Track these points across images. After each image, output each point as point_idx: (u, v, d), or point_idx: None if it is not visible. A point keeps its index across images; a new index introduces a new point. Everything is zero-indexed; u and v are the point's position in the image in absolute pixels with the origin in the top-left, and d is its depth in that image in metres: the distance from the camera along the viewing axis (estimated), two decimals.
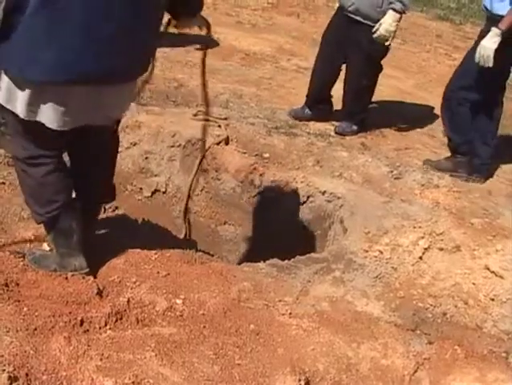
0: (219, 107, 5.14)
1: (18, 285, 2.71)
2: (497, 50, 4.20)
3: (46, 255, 2.90)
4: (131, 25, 2.46)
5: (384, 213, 3.77)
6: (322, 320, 2.92)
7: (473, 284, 3.33)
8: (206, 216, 4.29)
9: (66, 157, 2.88)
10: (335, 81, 5.21)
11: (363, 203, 3.90)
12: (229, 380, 2.47)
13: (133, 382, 2.34)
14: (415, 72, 7.13)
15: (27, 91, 2.45)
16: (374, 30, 4.77)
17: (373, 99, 5.41)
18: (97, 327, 2.59)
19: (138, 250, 3.06)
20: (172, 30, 2.97)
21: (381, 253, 3.46)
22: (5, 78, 2.49)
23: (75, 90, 2.48)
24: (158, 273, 2.95)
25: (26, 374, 2.27)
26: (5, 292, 2.62)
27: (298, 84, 5.95)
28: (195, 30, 3.03)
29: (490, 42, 4.21)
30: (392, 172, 4.36)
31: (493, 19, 4.36)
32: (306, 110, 5.27)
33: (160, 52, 2.88)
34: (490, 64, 4.24)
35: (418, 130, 5.52)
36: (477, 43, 4.45)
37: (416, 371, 2.77)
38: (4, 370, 2.22)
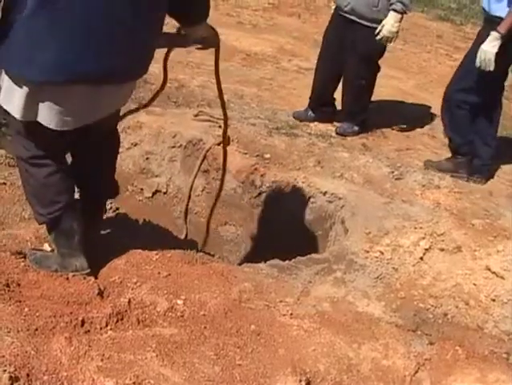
0: (220, 107, 5.13)
1: (19, 285, 2.71)
2: (496, 53, 4.21)
3: (47, 255, 2.90)
4: (131, 25, 2.46)
5: (385, 214, 3.77)
6: (323, 320, 2.92)
7: (474, 284, 3.33)
8: (207, 216, 4.29)
9: (68, 158, 2.88)
10: (338, 82, 5.21)
11: (364, 203, 3.90)
12: (229, 381, 2.47)
13: (134, 383, 2.34)
14: (416, 73, 7.13)
15: (25, 92, 2.45)
16: (377, 31, 4.77)
17: (374, 100, 5.41)
18: (98, 328, 2.59)
19: (139, 251, 3.06)
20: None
21: (382, 253, 3.45)
22: (5, 78, 2.49)
23: (74, 90, 2.48)
24: (159, 273, 2.95)
25: (27, 375, 2.27)
26: (6, 292, 2.62)
27: (299, 85, 5.95)
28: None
29: (490, 46, 4.21)
30: (392, 172, 4.36)
31: (490, 20, 4.36)
32: (310, 112, 5.27)
33: (161, 53, 2.87)
34: (491, 68, 4.25)
35: (419, 130, 5.52)
36: (475, 44, 4.46)
37: (416, 372, 2.77)
38: (5, 370, 2.22)
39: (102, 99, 2.60)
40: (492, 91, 4.55)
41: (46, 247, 2.97)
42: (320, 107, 5.26)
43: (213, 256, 3.65)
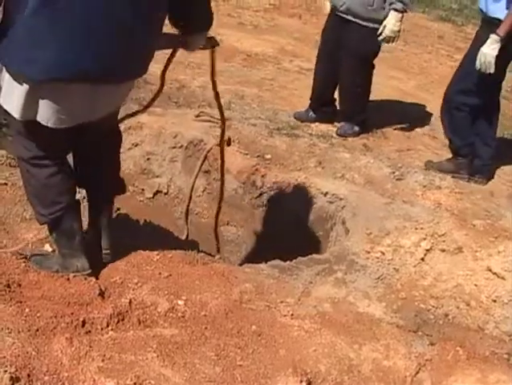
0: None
1: (20, 286, 2.71)
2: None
3: (48, 256, 2.90)
4: (131, 25, 2.46)
5: (386, 214, 3.77)
6: (323, 321, 2.92)
7: (475, 285, 3.32)
8: (208, 217, 4.29)
9: (69, 158, 2.88)
10: (338, 81, 5.21)
11: (365, 204, 3.90)
12: (230, 381, 2.47)
13: (135, 384, 2.34)
14: (416, 73, 7.13)
15: (25, 90, 2.46)
16: (379, 32, 4.78)
17: (374, 100, 5.41)
18: (99, 328, 2.59)
19: (140, 251, 3.06)
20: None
21: (383, 254, 3.45)
22: (5, 77, 2.50)
23: (74, 88, 2.49)
24: (160, 274, 2.95)
25: (28, 375, 2.27)
26: (7, 293, 2.62)
27: (300, 85, 5.95)
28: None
29: (490, 49, 4.21)
30: (393, 173, 4.35)
31: (488, 21, 4.36)
32: (311, 113, 5.27)
33: (162, 53, 2.87)
34: (492, 70, 4.25)
35: (420, 131, 5.52)
36: (474, 45, 4.46)
37: (417, 373, 2.76)
38: (6, 370, 2.22)
39: (101, 98, 2.60)
40: (491, 92, 4.55)
41: (47, 247, 2.98)
42: (321, 107, 5.26)
43: (214, 256, 3.65)
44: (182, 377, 2.43)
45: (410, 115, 5.75)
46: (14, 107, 2.51)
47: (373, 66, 5.12)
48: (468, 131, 4.64)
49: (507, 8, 4.16)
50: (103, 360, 2.42)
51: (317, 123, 5.22)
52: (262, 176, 4.25)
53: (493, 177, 4.72)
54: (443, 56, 7.81)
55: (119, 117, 3.06)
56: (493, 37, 4.20)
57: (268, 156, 4.38)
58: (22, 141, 2.67)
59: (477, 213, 3.96)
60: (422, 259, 3.45)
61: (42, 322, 2.52)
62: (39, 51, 2.35)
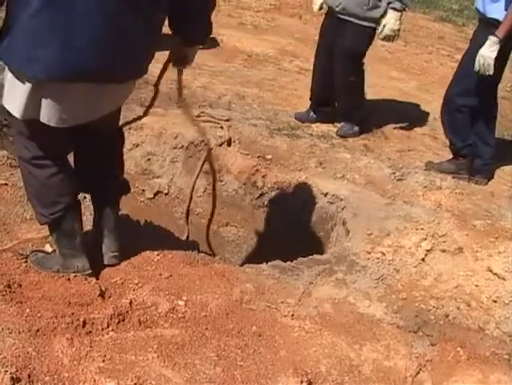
0: (221, 108, 5.15)
1: (20, 286, 2.71)
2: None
3: (48, 256, 2.90)
4: (131, 25, 2.47)
5: (387, 215, 3.77)
6: (324, 322, 2.92)
7: (476, 286, 3.32)
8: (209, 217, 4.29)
9: (70, 158, 2.88)
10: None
11: (366, 204, 3.90)
12: (231, 382, 2.47)
13: (135, 384, 2.34)
14: (417, 74, 7.13)
15: (27, 89, 2.47)
16: (379, 31, 4.80)
17: (375, 101, 5.41)
18: (99, 329, 2.59)
19: (140, 252, 3.06)
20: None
21: (383, 254, 3.45)
22: (7, 76, 2.51)
23: (75, 88, 2.49)
24: (160, 274, 2.95)
25: (29, 376, 2.27)
26: (7, 293, 2.62)
27: (301, 86, 5.95)
28: None
29: (489, 51, 4.19)
30: (394, 173, 4.35)
31: (485, 21, 4.35)
32: (311, 113, 5.28)
33: (163, 54, 2.87)
34: (491, 72, 4.24)
35: (420, 131, 5.52)
36: (472, 46, 4.45)
37: (418, 373, 2.76)
38: (6, 371, 2.23)
39: (102, 98, 2.61)
40: (490, 93, 4.55)
41: (48, 248, 2.97)
42: (321, 107, 5.26)
43: (214, 256, 3.65)
44: (183, 377, 2.43)
45: (411, 116, 5.75)
46: (16, 106, 2.52)
47: (363, 63, 5.13)
48: (468, 132, 4.64)
49: (506, 9, 4.15)
50: (103, 360, 2.42)
51: (317, 124, 5.23)
52: (263, 177, 4.25)
53: (493, 178, 4.72)
54: (444, 56, 7.81)
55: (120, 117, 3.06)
56: (492, 39, 4.18)
57: (269, 157, 4.38)
58: (22, 141, 2.67)
59: (478, 214, 3.96)
60: (423, 259, 3.45)
61: (42, 323, 2.52)
62: (41, 50, 2.36)
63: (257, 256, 3.88)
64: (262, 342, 2.70)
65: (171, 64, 2.93)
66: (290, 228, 4.08)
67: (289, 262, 3.36)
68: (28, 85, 2.46)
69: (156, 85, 3.08)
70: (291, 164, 4.35)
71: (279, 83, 6.12)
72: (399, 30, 4.85)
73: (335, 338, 2.82)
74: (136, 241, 3.15)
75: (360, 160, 4.51)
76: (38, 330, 2.48)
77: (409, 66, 7.31)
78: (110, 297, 2.77)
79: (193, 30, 2.73)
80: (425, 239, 3.55)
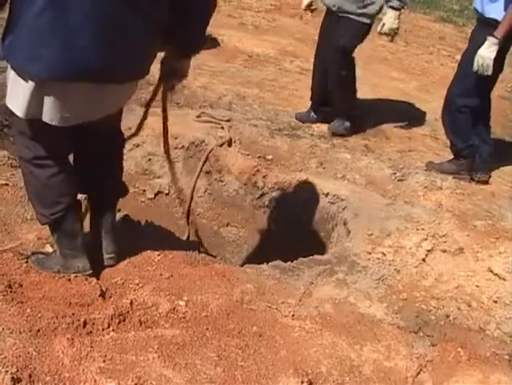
0: (222, 108, 5.15)
1: (21, 286, 2.71)
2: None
3: (49, 256, 2.90)
4: (132, 25, 2.48)
5: (387, 215, 3.77)
6: (325, 322, 2.91)
7: (476, 286, 3.32)
8: (209, 217, 4.30)
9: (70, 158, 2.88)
10: None
11: (367, 205, 3.90)
12: (231, 382, 2.47)
13: (136, 384, 2.34)
14: (418, 74, 7.13)
15: (30, 88, 2.47)
16: (378, 30, 4.82)
17: (376, 101, 5.41)
18: (100, 329, 2.59)
19: (141, 252, 3.06)
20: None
21: (384, 255, 3.45)
22: (10, 76, 2.52)
23: (77, 87, 2.50)
24: (161, 274, 2.95)
25: (29, 376, 2.27)
26: (8, 293, 2.62)
27: (301, 86, 5.95)
28: None
29: (488, 52, 4.19)
30: (395, 174, 4.35)
31: (483, 21, 4.34)
32: (312, 114, 5.28)
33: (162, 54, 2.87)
34: (490, 73, 4.24)
35: (421, 132, 5.52)
36: (471, 46, 4.45)
37: (418, 373, 2.76)
38: (7, 371, 2.23)
39: (103, 98, 2.61)
40: (488, 92, 4.56)
41: (48, 248, 2.98)
42: (321, 107, 5.26)
43: (215, 257, 3.65)
44: (183, 377, 2.43)
45: (411, 116, 5.75)
46: (19, 105, 2.53)
47: (353, 58, 5.13)
48: (469, 133, 4.64)
49: (505, 9, 4.14)
50: (104, 361, 2.42)
51: (318, 124, 5.23)
52: (264, 177, 4.25)
53: (493, 178, 4.72)
54: (444, 57, 7.81)
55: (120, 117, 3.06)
56: (490, 39, 4.18)
57: (269, 157, 4.38)
58: (23, 141, 2.67)
59: (479, 214, 3.96)
60: (423, 260, 3.45)
61: (43, 323, 2.52)
62: (43, 49, 2.37)
63: (257, 256, 3.88)
64: (262, 342, 2.70)
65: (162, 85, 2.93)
66: (291, 229, 4.08)
67: (289, 262, 3.36)
68: (31, 83, 2.46)
69: (147, 106, 3.07)
70: (292, 165, 4.35)
71: (280, 84, 6.12)
72: (398, 28, 4.86)
73: (335, 338, 2.82)
74: (137, 241, 3.15)
75: (361, 161, 4.51)
76: (38, 330, 2.48)
77: (410, 66, 7.31)
78: (110, 297, 2.77)
79: (192, 31, 2.71)
80: (426, 239, 3.55)
